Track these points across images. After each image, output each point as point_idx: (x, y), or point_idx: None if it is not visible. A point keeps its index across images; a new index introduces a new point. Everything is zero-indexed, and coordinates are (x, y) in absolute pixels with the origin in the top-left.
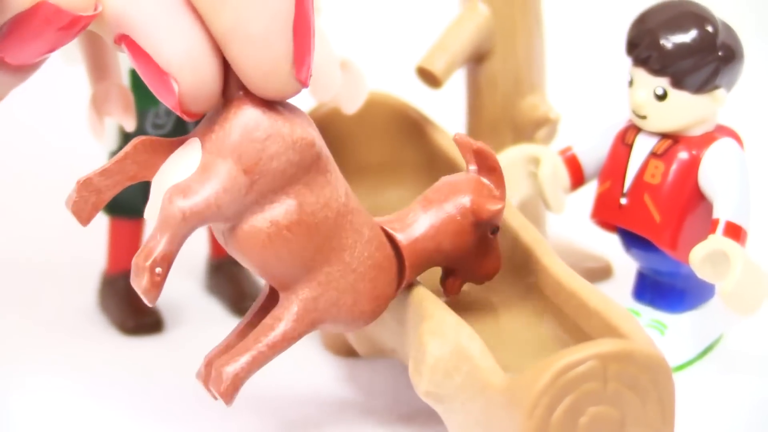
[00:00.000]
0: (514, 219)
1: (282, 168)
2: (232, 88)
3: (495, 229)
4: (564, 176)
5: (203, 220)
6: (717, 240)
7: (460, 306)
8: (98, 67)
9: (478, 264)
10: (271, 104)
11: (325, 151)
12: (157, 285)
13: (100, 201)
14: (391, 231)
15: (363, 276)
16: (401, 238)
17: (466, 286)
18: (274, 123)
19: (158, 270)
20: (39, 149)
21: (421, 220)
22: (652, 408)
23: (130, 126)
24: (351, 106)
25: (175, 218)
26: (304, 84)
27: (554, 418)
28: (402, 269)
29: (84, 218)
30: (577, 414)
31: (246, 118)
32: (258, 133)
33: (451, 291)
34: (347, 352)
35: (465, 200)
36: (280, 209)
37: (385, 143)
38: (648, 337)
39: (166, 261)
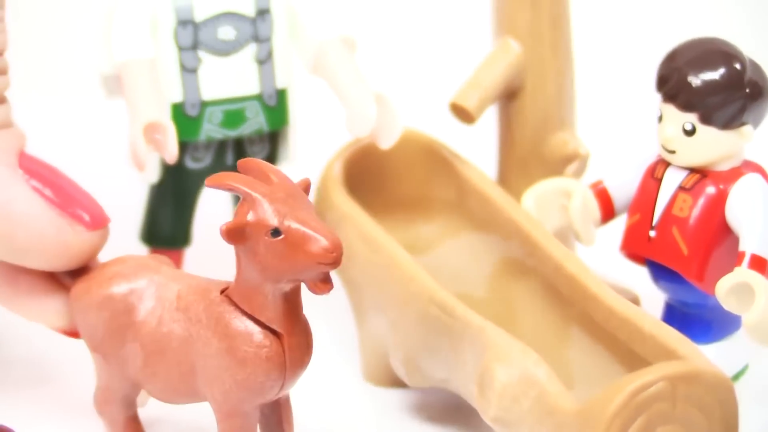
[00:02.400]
0: (555, 249)
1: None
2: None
3: (274, 231)
4: (594, 209)
5: None
6: (742, 272)
7: (513, 336)
8: (147, 101)
9: (295, 263)
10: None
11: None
12: None
13: None
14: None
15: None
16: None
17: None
18: None
19: None
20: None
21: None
22: (717, 427)
23: (173, 158)
24: (386, 141)
25: None
26: (93, 227)
27: None
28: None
29: None
30: None
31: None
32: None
33: (319, 289)
34: (390, 382)
35: None
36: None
37: (416, 179)
38: (707, 359)
39: None
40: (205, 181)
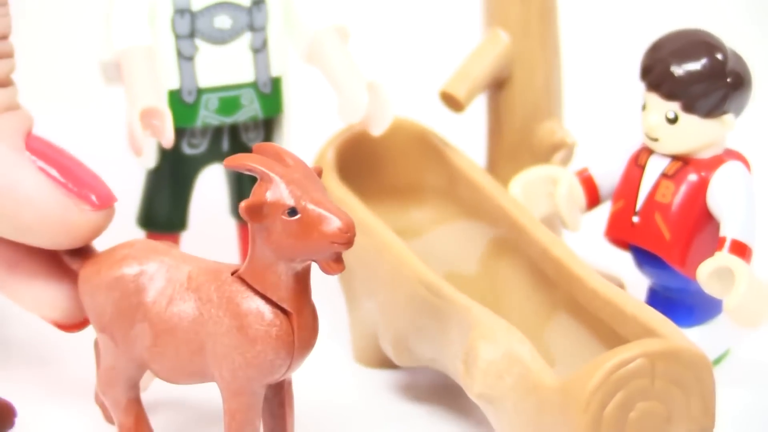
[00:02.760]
0: (542, 234)
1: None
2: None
3: (291, 211)
4: (580, 196)
5: None
6: (723, 257)
7: (499, 316)
8: (145, 87)
9: (310, 243)
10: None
11: None
12: None
13: None
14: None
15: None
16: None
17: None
18: None
19: None
20: None
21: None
22: (695, 403)
23: (169, 143)
24: (378, 127)
25: None
26: (101, 206)
27: (606, 412)
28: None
29: None
30: (627, 409)
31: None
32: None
33: (331, 269)
34: (379, 363)
35: None
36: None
37: (408, 166)
38: (686, 338)
39: None
40: (224, 162)
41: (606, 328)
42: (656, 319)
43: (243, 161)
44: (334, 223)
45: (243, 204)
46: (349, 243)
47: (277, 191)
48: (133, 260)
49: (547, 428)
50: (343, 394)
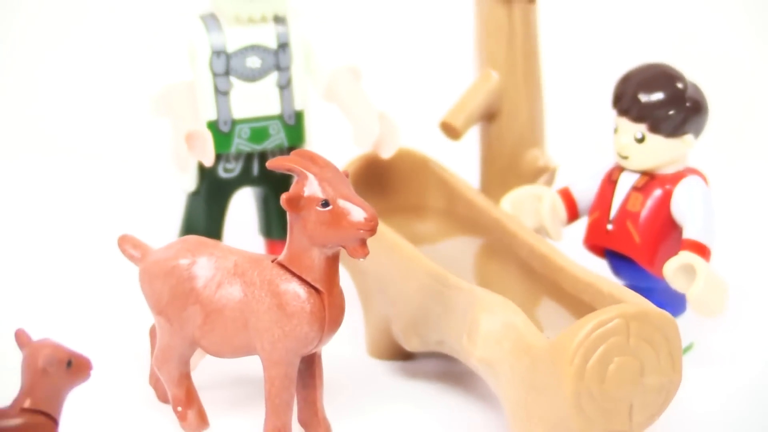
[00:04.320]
0: (529, 235)
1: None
2: None
3: (324, 203)
4: (562, 210)
5: None
6: (686, 255)
7: None
8: (188, 115)
9: (340, 230)
10: None
11: None
12: None
13: None
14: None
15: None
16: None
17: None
18: None
19: None
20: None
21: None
22: (664, 358)
23: (210, 162)
24: (387, 152)
25: None
26: None
27: (589, 365)
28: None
29: None
30: (606, 362)
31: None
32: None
33: (358, 253)
34: (391, 355)
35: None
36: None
37: (411, 188)
38: (654, 306)
39: None
40: (267, 163)
41: (588, 308)
42: (629, 294)
43: (284, 162)
44: (360, 214)
45: (284, 196)
46: (373, 230)
47: (312, 186)
48: (187, 252)
49: (539, 382)
50: (359, 382)
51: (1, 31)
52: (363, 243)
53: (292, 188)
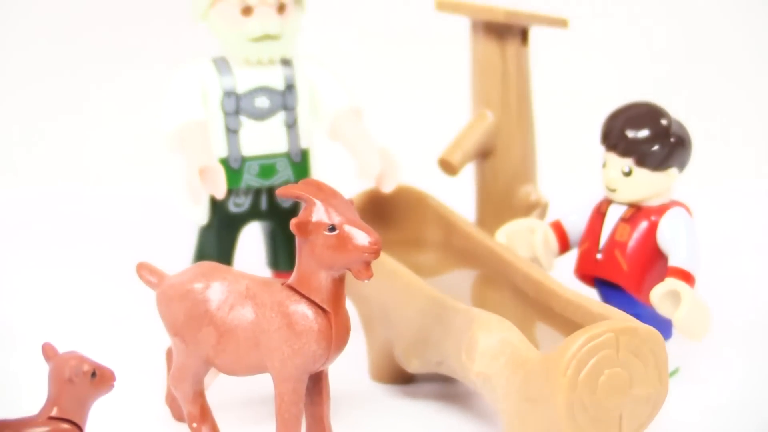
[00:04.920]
0: (522, 263)
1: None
2: None
3: (331, 228)
4: (554, 242)
5: None
6: (671, 282)
7: None
8: (202, 151)
9: (346, 254)
10: None
11: None
12: None
13: None
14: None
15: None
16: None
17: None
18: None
19: None
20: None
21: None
22: (651, 371)
23: (222, 195)
24: (388, 186)
25: None
26: None
27: (581, 377)
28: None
29: None
30: (597, 374)
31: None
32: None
33: (362, 275)
34: (393, 378)
35: None
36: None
37: (411, 223)
38: (642, 323)
39: None
40: (276, 192)
41: (578, 327)
42: (618, 314)
43: (292, 190)
44: (365, 238)
45: (294, 221)
46: (377, 253)
47: (319, 212)
48: (201, 277)
49: (534, 394)
50: (362, 405)
51: (23, 68)
52: (367, 265)
53: (301, 214)
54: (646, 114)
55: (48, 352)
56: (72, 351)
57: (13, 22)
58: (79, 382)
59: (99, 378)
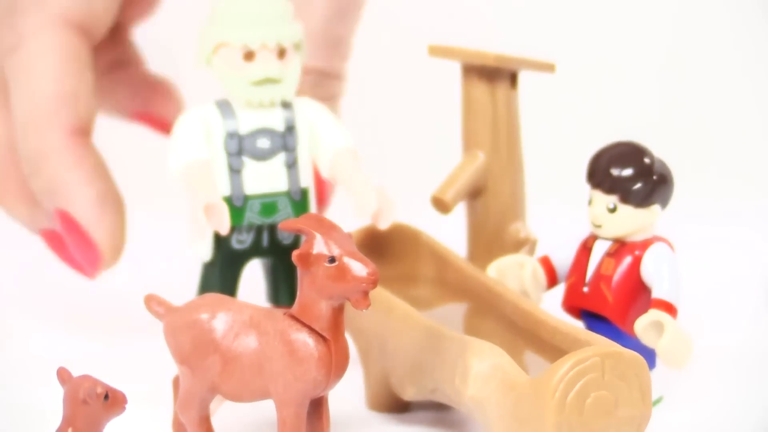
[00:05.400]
0: (511, 295)
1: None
2: None
3: (330, 260)
4: (542, 277)
5: None
6: (655, 313)
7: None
8: (206, 189)
9: (345, 284)
10: None
11: None
12: None
13: None
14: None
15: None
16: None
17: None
18: None
19: None
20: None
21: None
22: (635, 393)
23: (226, 231)
24: (384, 223)
25: None
26: (93, 273)
27: (569, 399)
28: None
29: None
30: (584, 396)
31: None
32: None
33: (360, 305)
34: (389, 407)
35: None
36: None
37: (405, 259)
38: (625, 348)
39: None
40: (279, 225)
41: (565, 354)
42: (604, 341)
43: (294, 224)
44: (363, 269)
45: (295, 253)
46: (374, 283)
47: (320, 245)
48: (207, 307)
49: (524, 415)
50: (360, 430)
51: None
52: (365, 295)
53: (302, 246)
54: (629, 153)
55: (63, 375)
56: (85, 374)
57: None
58: (93, 403)
59: (111, 400)
